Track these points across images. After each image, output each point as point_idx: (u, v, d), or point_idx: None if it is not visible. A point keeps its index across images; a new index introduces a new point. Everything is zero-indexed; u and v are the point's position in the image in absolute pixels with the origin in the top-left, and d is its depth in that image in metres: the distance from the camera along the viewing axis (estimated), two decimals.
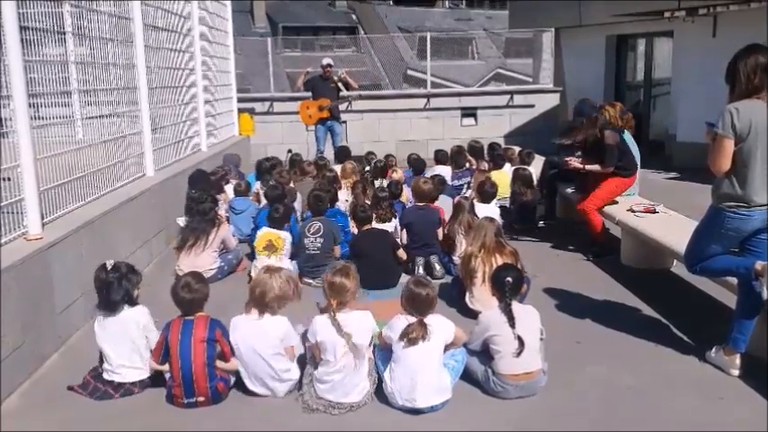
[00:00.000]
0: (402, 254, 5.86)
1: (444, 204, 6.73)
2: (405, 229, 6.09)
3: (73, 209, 5.08)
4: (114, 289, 3.87)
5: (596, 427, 3.48)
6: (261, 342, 3.77)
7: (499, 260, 4.81)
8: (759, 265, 3.74)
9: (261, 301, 3.79)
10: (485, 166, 8.77)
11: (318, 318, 3.75)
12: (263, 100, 13.94)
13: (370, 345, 3.82)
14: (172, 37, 7.97)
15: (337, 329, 3.62)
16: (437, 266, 5.89)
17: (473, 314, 4.65)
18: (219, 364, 3.77)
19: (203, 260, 5.76)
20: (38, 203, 4.46)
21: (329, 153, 10.70)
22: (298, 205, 7.17)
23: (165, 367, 3.76)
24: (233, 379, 3.87)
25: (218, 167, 8.35)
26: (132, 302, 3.94)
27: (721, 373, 3.98)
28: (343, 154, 9.56)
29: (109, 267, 3.91)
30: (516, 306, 3.85)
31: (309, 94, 11.27)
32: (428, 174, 8.27)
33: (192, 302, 3.81)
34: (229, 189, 7.81)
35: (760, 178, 3.69)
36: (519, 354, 3.69)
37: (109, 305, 3.88)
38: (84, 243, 4.86)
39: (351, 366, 3.65)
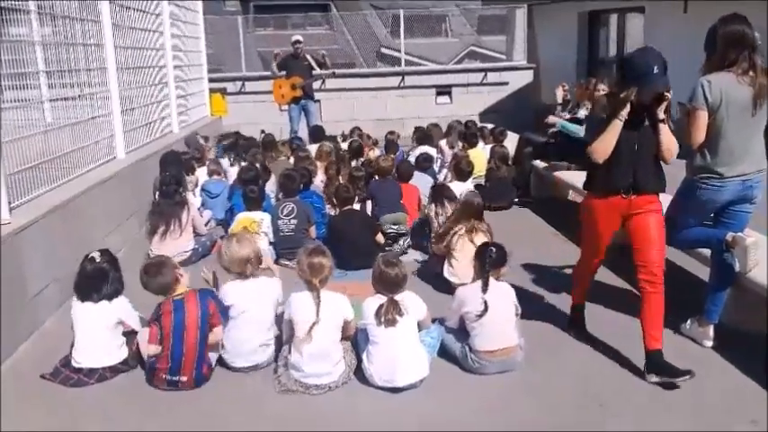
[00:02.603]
0: (380, 238, 5.85)
1: (423, 183, 6.73)
2: (371, 202, 6.16)
3: (42, 193, 4.97)
4: (101, 281, 3.84)
5: (575, 401, 3.52)
6: (258, 300, 3.86)
7: (478, 235, 4.83)
8: (730, 236, 3.80)
9: (245, 267, 3.88)
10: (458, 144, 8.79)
11: (296, 295, 3.74)
12: (234, 80, 13.78)
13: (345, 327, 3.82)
14: (141, 16, 7.80)
15: (317, 308, 3.63)
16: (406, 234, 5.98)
17: (448, 290, 4.69)
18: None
19: (182, 243, 5.71)
20: (5, 188, 4.35)
21: (303, 133, 10.63)
22: (272, 186, 7.09)
23: (159, 349, 3.71)
24: (214, 361, 3.86)
25: (198, 145, 8.26)
26: (117, 293, 3.90)
27: (696, 345, 4.04)
28: (317, 134, 9.49)
29: (97, 259, 3.86)
30: (492, 281, 3.87)
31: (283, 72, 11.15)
32: (414, 154, 8.29)
33: (163, 286, 3.78)
34: (202, 172, 7.70)
35: (731, 150, 3.74)
36: (480, 317, 3.72)
37: (92, 296, 3.83)
38: (55, 228, 4.77)
39: (321, 349, 3.63)
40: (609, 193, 3.76)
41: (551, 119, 7.49)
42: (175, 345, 3.64)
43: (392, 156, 7.64)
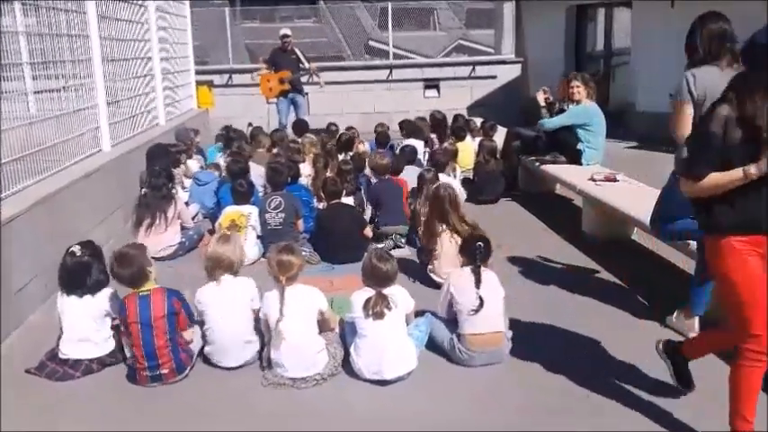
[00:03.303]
0: (368, 232, 5.84)
1: (412, 176, 6.70)
2: (373, 205, 5.99)
3: (27, 186, 4.92)
4: (83, 275, 3.81)
5: (562, 393, 3.53)
6: (228, 304, 3.80)
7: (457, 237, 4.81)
8: None
9: (218, 269, 3.84)
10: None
11: (267, 293, 3.75)
12: (221, 72, 13.71)
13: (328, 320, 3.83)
14: (127, 7, 7.73)
15: (281, 305, 3.62)
16: (401, 241, 5.89)
17: (434, 285, 4.71)
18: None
19: (167, 237, 5.67)
20: None
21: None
22: (259, 179, 7.04)
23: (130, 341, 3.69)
24: (196, 352, 3.84)
25: (178, 141, 8.19)
26: (101, 286, 3.87)
27: (681, 337, 4.06)
28: (300, 127, 9.43)
29: (78, 252, 3.82)
30: (483, 274, 3.88)
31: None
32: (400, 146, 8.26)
33: (133, 276, 3.74)
34: (191, 164, 7.67)
35: None
36: (476, 312, 3.73)
37: (77, 290, 3.81)
38: (40, 221, 4.72)
39: (294, 343, 3.61)
40: (751, 231, 2.74)
41: (541, 96, 7.48)
42: (146, 342, 3.61)
43: (381, 150, 7.62)
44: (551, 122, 7.14)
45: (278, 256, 3.72)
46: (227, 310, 3.81)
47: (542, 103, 7.35)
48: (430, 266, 5.01)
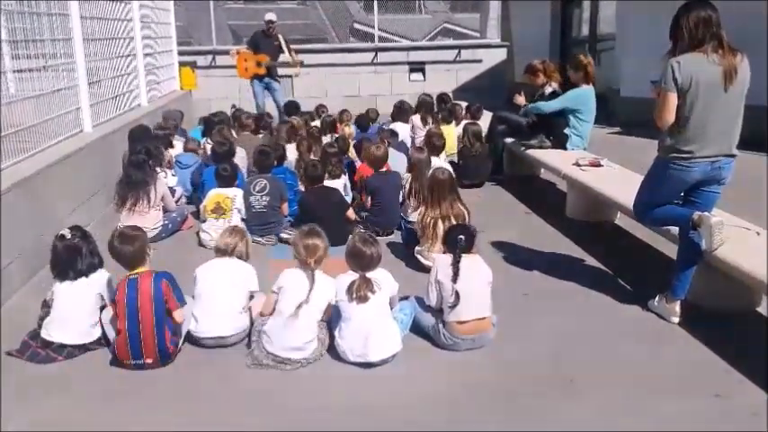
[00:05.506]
0: (351, 214, 5.80)
1: (396, 160, 6.67)
2: (370, 196, 5.86)
3: (6, 167, 4.84)
4: (74, 258, 3.76)
5: (544, 377, 3.55)
6: (225, 276, 3.90)
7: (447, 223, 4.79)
8: (696, 215, 3.86)
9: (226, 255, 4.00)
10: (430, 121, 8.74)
11: (290, 270, 3.77)
12: (205, 53, 13.54)
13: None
14: None
15: (310, 285, 3.65)
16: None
17: (420, 267, 4.76)
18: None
19: (150, 219, 5.61)
20: None
21: (271, 108, 10.55)
22: (242, 161, 6.99)
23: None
24: (182, 340, 3.81)
25: (163, 123, 8.10)
26: (95, 268, 3.84)
27: (663, 321, 4.11)
28: (291, 109, 9.40)
29: (68, 236, 3.77)
30: (464, 263, 3.84)
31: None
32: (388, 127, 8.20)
33: (134, 255, 3.72)
34: (178, 145, 7.60)
35: (700, 131, 3.77)
36: (452, 307, 3.74)
37: (69, 273, 3.76)
38: (19, 203, 4.65)
39: (301, 326, 3.63)
40: None
41: (519, 99, 7.47)
42: (131, 326, 3.57)
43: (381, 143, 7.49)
44: (548, 106, 7.02)
45: (303, 240, 3.74)
46: (222, 281, 3.90)
47: (523, 103, 7.36)
48: (418, 248, 4.99)
